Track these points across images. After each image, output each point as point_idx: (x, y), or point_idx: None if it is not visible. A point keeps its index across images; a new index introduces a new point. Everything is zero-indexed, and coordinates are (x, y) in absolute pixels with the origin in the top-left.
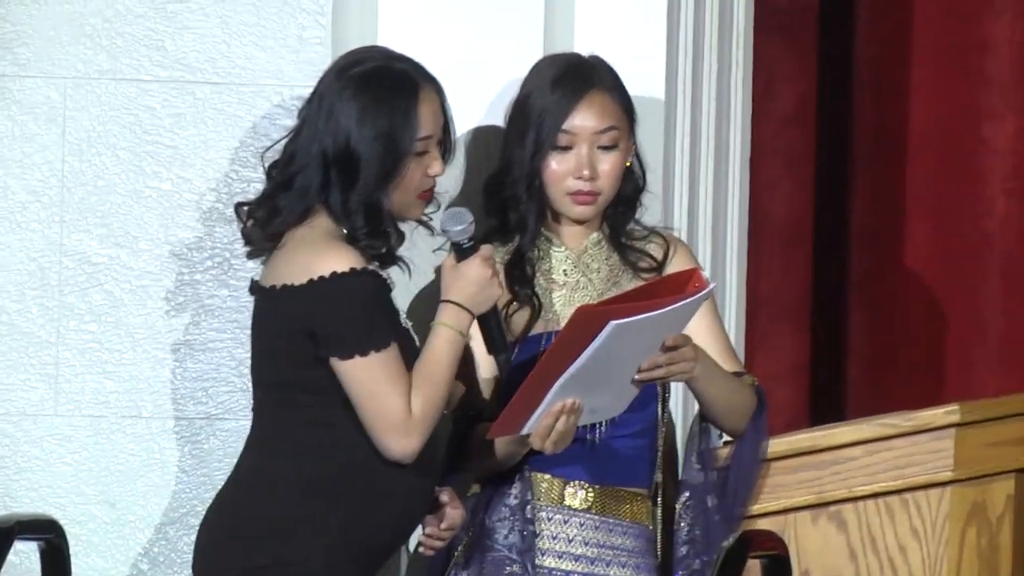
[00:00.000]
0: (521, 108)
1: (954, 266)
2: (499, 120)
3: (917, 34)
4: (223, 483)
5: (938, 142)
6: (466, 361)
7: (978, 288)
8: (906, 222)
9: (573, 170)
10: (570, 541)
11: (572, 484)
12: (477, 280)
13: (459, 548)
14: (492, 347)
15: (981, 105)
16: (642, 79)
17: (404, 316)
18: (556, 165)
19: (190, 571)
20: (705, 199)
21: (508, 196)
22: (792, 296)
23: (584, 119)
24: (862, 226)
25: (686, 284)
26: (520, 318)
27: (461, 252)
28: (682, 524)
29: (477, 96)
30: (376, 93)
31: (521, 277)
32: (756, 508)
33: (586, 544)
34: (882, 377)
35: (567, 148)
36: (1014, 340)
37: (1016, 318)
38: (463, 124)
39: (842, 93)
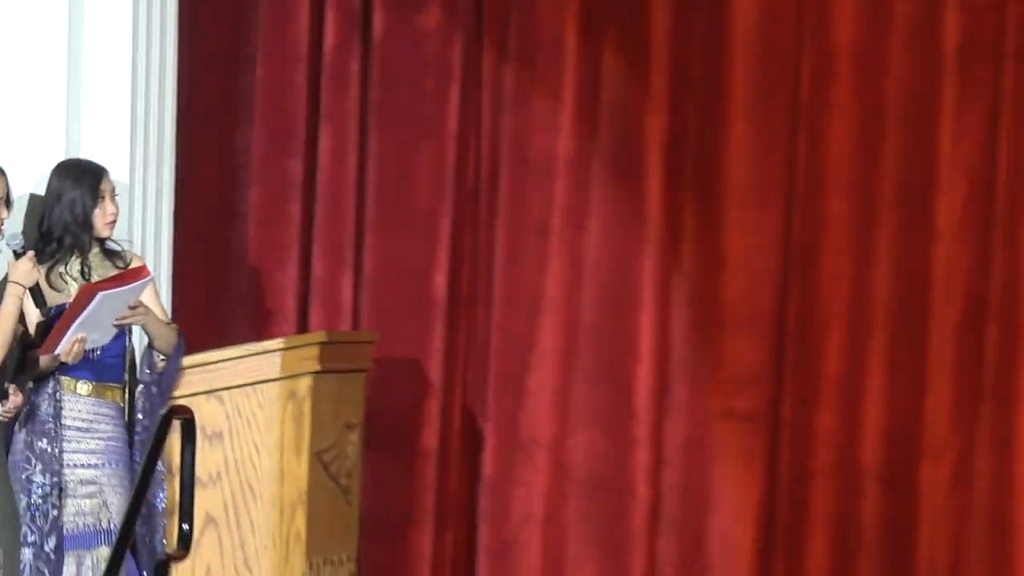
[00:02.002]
0: (71, 188)
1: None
2: (38, 188)
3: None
4: None
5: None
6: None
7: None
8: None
9: (108, 208)
10: (80, 411)
11: (81, 382)
12: (25, 269)
13: (21, 415)
14: (37, 304)
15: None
16: (117, 164)
17: None
18: (99, 210)
19: None
20: (148, 219)
21: (62, 234)
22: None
23: (106, 183)
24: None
25: (139, 274)
26: (56, 296)
27: (17, 255)
28: (139, 402)
29: (31, 175)
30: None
31: (60, 276)
32: (178, 393)
33: (89, 413)
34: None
35: (101, 199)
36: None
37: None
38: (23, 189)
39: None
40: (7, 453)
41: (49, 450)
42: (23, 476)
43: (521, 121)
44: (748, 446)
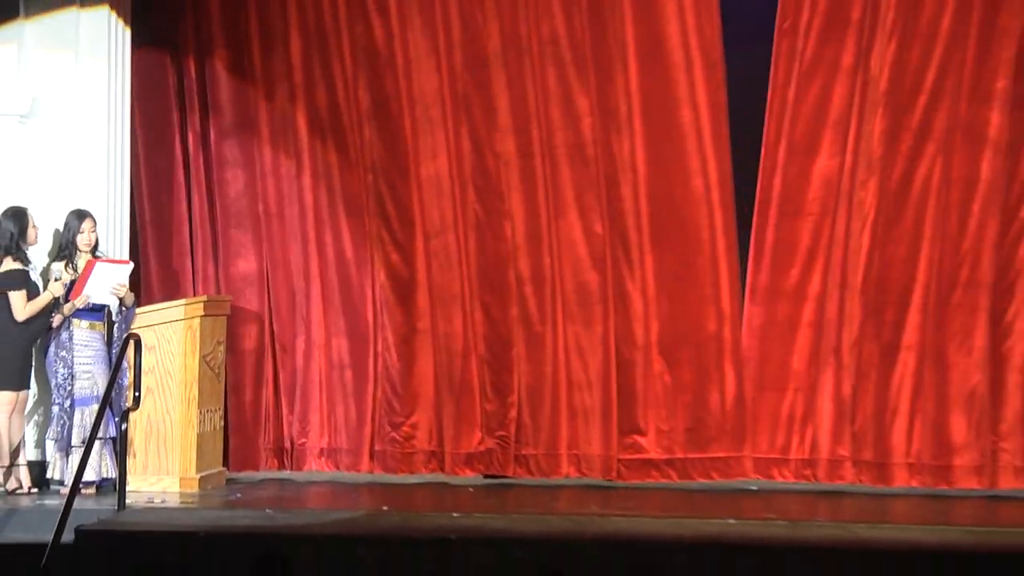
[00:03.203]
0: (70, 221)
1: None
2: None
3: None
4: None
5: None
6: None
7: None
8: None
9: (86, 236)
10: (82, 336)
11: (83, 320)
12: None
13: (52, 336)
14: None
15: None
16: (99, 209)
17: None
18: (80, 236)
19: None
20: (117, 238)
21: (67, 246)
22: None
23: (88, 222)
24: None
25: (125, 261)
26: (71, 276)
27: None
28: (114, 332)
29: (59, 217)
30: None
31: (70, 267)
32: (132, 326)
33: (87, 336)
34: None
35: (82, 232)
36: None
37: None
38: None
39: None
40: (45, 356)
41: (66, 355)
42: (53, 369)
43: (279, 187)
44: (423, 346)
